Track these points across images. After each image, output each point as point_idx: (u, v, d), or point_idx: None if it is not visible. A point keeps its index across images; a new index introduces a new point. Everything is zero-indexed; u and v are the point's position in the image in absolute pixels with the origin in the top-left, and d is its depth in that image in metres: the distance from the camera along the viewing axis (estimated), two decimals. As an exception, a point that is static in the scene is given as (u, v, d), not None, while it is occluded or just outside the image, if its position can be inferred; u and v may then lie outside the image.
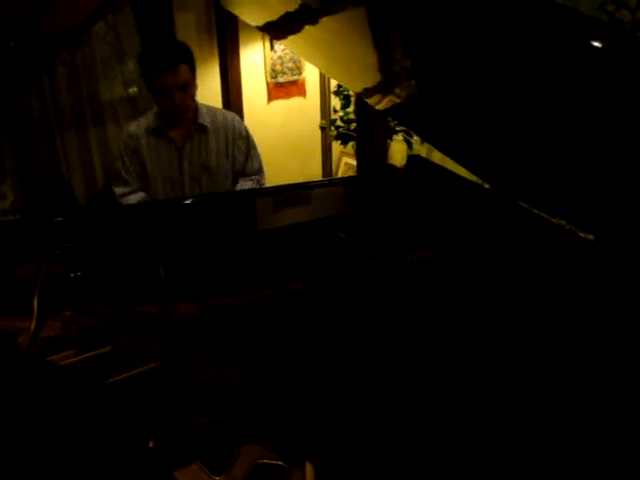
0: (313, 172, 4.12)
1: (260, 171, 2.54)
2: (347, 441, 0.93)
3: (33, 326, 1.26)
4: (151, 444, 0.92)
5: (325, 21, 0.98)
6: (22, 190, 3.16)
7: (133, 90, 3.46)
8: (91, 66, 3.29)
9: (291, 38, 1.19)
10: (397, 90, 1.01)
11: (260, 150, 2.56)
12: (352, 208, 1.73)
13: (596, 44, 0.61)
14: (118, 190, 2.44)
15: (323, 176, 4.13)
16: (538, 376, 0.99)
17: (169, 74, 2.22)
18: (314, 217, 1.62)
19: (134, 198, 2.40)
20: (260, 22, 1.25)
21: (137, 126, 2.42)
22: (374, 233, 1.55)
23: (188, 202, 1.83)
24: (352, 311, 1.27)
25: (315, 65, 2.52)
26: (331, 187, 1.88)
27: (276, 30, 1.29)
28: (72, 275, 1.41)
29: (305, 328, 1.24)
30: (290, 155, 3.95)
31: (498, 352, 1.05)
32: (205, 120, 2.39)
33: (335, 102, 3.69)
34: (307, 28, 1.05)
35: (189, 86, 2.29)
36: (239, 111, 3.46)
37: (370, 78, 1.05)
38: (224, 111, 2.57)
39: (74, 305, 1.32)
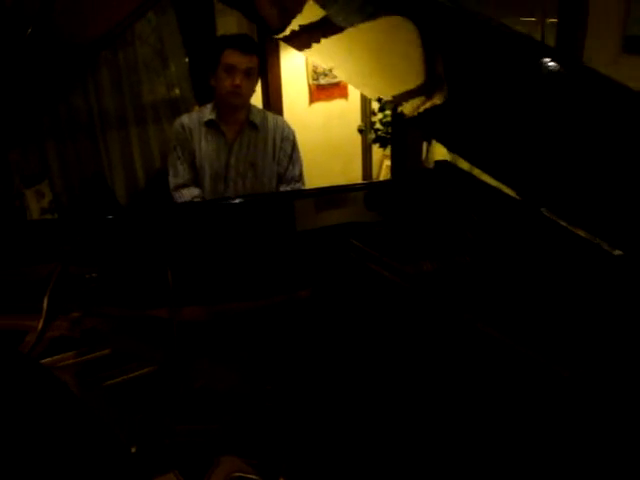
0: (354, 174, 4.10)
1: (300, 178, 2.57)
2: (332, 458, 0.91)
3: (40, 325, 1.28)
4: (133, 449, 0.91)
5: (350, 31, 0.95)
6: (62, 190, 3.23)
7: (175, 92, 3.51)
8: (134, 68, 3.36)
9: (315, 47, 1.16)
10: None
11: (301, 152, 2.58)
12: (372, 214, 1.70)
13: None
14: (172, 181, 2.48)
15: (363, 179, 4.10)
16: (545, 393, 0.94)
17: (242, 54, 2.31)
18: (331, 223, 1.60)
19: (188, 194, 2.45)
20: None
21: (189, 118, 2.48)
22: (392, 240, 1.51)
23: (204, 206, 1.83)
24: (360, 320, 1.25)
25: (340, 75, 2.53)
26: (354, 192, 1.85)
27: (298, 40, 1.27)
28: (88, 276, 1.43)
29: (310, 336, 1.21)
30: (331, 157, 3.94)
31: (507, 370, 1.00)
32: (256, 119, 2.45)
33: (375, 104, 3.66)
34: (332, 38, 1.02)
35: (252, 76, 2.36)
36: (279, 113, 3.46)
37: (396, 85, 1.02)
38: (274, 114, 2.62)
39: (85, 306, 1.33)
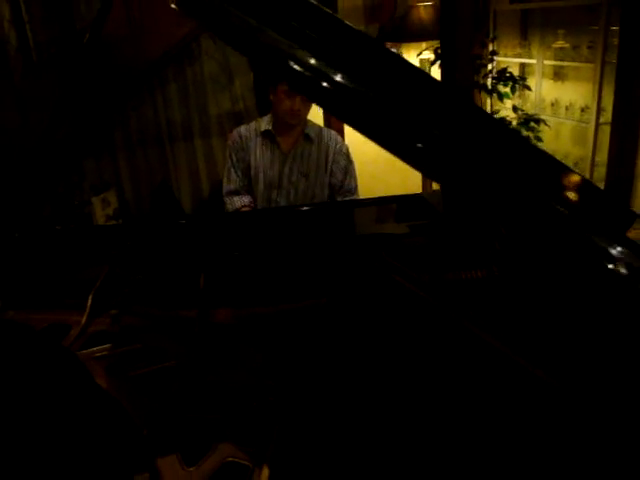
0: (414, 186, 4.12)
1: (355, 190, 2.64)
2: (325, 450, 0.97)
3: (84, 321, 1.41)
4: (145, 432, 1.01)
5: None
6: (130, 198, 3.44)
7: (239, 105, 3.66)
8: (200, 82, 3.53)
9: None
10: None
11: (361, 164, 2.64)
12: (403, 226, 1.74)
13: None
14: (225, 187, 2.62)
15: (423, 190, 4.11)
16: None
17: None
18: (362, 234, 1.66)
19: (238, 202, 2.57)
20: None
21: (247, 129, 2.60)
22: (420, 251, 1.56)
23: (241, 216, 1.93)
24: (378, 329, 1.30)
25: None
26: (389, 204, 1.90)
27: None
28: (133, 278, 1.56)
29: (325, 341, 1.28)
30: (391, 170, 3.98)
31: (518, 384, 1.04)
32: (311, 133, 2.54)
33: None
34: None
35: (309, 100, 2.40)
36: (339, 127, 3.55)
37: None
38: (328, 129, 2.69)
39: (124, 305, 1.45)
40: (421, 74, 0.91)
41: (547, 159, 0.97)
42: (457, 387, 1.11)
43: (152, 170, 3.54)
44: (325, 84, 0.76)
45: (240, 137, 2.58)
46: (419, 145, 0.79)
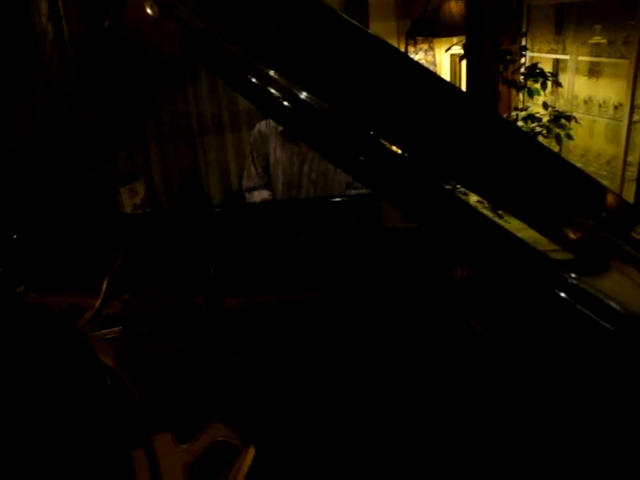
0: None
1: None
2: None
3: (98, 304, 1.46)
4: (145, 410, 1.05)
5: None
6: (156, 189, 3.52)
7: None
8: (231, 77, 3.58)
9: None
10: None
11: None
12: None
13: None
14: (244, 183, 2.64)
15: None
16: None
17: None
18: (367, 228, 1.67)
19: (258, 196, 2.60)
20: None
21: (267, 125, 2.59)
22: (427, 246, 1.57)
23: (253, 208, 1.95)
24: (383, 325, 1.31)
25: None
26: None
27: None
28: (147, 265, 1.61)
29: (327, 332, 1.30)
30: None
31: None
32: None
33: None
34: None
35: None
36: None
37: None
38: None
39: (137, 290, 1.50)
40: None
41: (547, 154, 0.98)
42: (457, 383, 1.12)
43: (181, 162, 3.61)
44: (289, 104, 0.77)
45: (260, 134, 2.58)
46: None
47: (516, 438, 0.98)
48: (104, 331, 1.37)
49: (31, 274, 1.61)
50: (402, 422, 1.05)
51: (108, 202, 2.89)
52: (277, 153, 2.55)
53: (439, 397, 1.10)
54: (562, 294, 0.76)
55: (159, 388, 1.12)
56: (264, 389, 1.10)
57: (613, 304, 0.75)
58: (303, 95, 0.75)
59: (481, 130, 0.94)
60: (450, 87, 1.07)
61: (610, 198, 1.00)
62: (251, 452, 0.92)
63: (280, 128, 2.53)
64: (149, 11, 0.77)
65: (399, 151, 0.87)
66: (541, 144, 1.09)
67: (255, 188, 2.59)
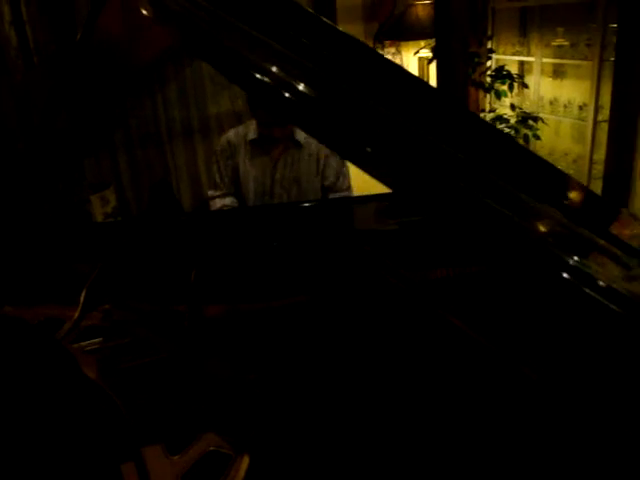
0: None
1: (349, 188, 2.58)
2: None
3: (76, 315, 1.43)
4: (132, 422, 1.04)
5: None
6: (127, 196, 3.47)
7: (238, 104, 3.68)
8: (200, 81, 3.56)
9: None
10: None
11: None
12: (390, 222, 1.76)
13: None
14: (209, 192, 2.62)
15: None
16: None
17: (273, 117, 2.32)
18: (348, 230, 1.67)
19: (219, 202, 2.57)
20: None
21: (236, 134, 2.54)
22: (406, 247, 1.57)
23: (227, 215, 1.94)
24: (367, 328, 1.31)
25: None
26: (382, 202, 1.91)
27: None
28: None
29: (310, 336, 1.30)
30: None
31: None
32: (301, 137, 2.47)
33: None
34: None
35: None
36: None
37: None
38: None
39: (116, 300, 1.47)
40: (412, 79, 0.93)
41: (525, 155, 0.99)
42: (444, 383, 1.13)
43: (151, 169, 3.57)
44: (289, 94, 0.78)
45: (229, 144, 2.53)
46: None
47: (503, 435, 0.99)
48: (84, 343, 1.35)
49: (5, 287, 1.57)
50: (391, 425, 1.06)
51: (79, 211, 2.84)
52: (247, 162, 2.50)
53: (426, 398, 1.11)
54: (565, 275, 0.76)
55: (145, 400, 1.10)
56: (251, 397, 1.09)
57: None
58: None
59: (466, 131, 0.95)
60: (422, 84, 1.07)
61: (586, 195, 1.01)
62: (245, 461, 0.91)
63: (250, 137, 2.48)
64: (144, 12, 0.76)
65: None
66: (517, 142, 1.11)
67: (219, 196, 2.55)
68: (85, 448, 0.96)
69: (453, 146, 0.88)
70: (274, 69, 0.76)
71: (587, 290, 0.74)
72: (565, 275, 0.75)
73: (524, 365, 1.03)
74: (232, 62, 0.80)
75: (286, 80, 0.75)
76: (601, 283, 0.74)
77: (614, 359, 0.76)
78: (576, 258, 0.76)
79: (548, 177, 0.95)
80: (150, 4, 0.77)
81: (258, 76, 0.76)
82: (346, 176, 2.57)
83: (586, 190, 1.08)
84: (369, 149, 0.81)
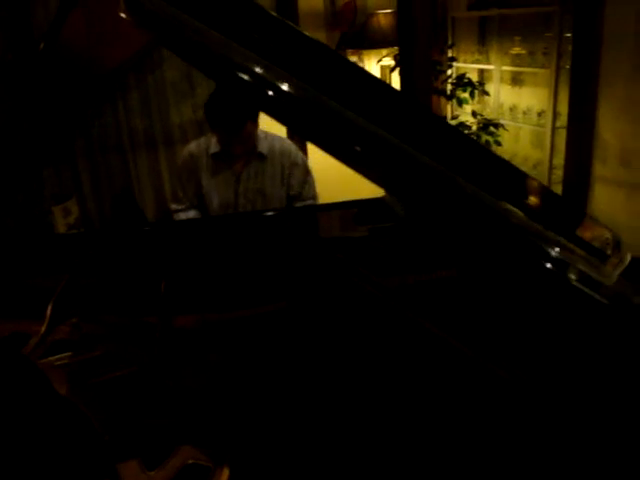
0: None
1: (314, 196, 2.59)
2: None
3: (43, 329, 1.39)
4: (106, 438, 1.01)
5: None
6: (92, 207, 3.41)
7: (200, 113, 3.64)
8: (162, 90, 3.52)
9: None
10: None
11: (325, 169, 2.62)
12: (362, 229, 1.77)
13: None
14: (172, 206, 2.59)
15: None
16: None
17: (233, 136, 2.32)
18: (319, 238, 1.67)
19: (183, 216, 2.54)
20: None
21: (197, 146, 2.52)
22: (379, 254, 1.58)
23: (198, 223, 1.93)
24: (339, 332, 1.31)
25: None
26: (351, 209, 1.93)
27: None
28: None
29: (286, 344, 1.29)
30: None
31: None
32: (263, 148, 2.45)
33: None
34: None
35: (251, 136, 2.37)
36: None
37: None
38: (281, 138, 2.58)
39: (84, 313, 1.44)
40: (377, 82, 0.94)
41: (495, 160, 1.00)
42: (422, 388, 1.13)
43: (114, 178, 3.51)
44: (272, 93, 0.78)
45: (191, 157, 2.50)
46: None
47: (489, 436, 1.00)
48: (53, 358, 1.31)
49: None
50: (369, 433, 1.06)
51: (40, 223, 2.77)
52: (210, 176, 2.48)
53: (405, 405, 1.11)
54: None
55: (119, 414, 1.08)
56: (228, 406, 1.08)
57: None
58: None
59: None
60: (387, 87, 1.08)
61: (552, 198, 1.04)
62: (225, 473, 0.90)
63: (212, 150, 2.46)
64: (123, 15, 0.75)
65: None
66: (484, 147, 1.13)
67: (182, 210, 2.53)
68: (57, 467, 0.93)
69: (419, 147, 0.88)
70: (256, 68, 0.76)
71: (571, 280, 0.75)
72: (548, 265, 0.76)
73: (502, 367, 1.04)
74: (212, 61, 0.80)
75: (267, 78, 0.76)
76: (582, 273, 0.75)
77: (601, 352, 0.78)
78: (557, 249, 0.77)
79: (516, 181, 0.96)
80: (127, 7, 0.76)
81: (240, 74, 0.76)
82: (311, 185, 2.57)
83: (552, 194, 1.10)
84: (354, 147, 0.81)
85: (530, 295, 0.84)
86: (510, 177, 0.96)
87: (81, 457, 0.99)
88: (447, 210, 0.83)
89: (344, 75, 0.91)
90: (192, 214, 2.54)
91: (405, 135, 0.85)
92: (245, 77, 0.77)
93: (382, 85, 1.02)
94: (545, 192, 1.03)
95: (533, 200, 0.95)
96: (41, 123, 2.81)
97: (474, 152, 1.00)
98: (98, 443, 1.02)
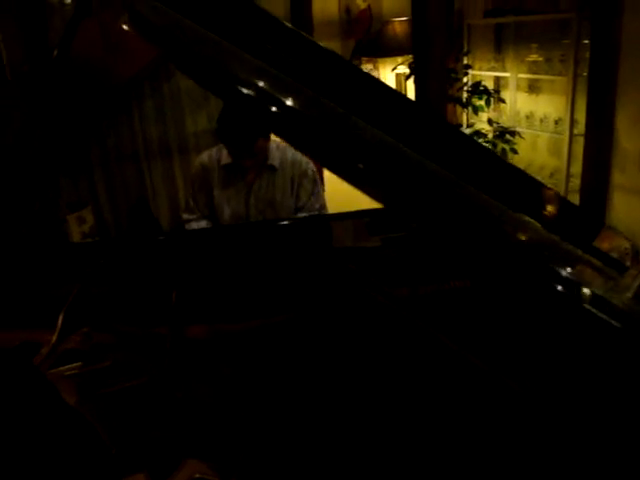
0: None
1: (321, 209, 2.56)
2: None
3: (54, 339, 1.39)
4: (114, 451, 1.00)
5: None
6: (108, 216, 3.43)
7: (215, 122, 3.65)
8: (177, 99, 3.54)
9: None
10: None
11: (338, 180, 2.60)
12: (374, 239, 1.75)
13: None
14: (184, 216, 2.59)
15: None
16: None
17: (244, 152, 2.31)
18: (331, 248, 1.66)
19: (195, 225, 2.54)
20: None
21: (209, 157, 2.50)
22: (390, 264, 1.56)
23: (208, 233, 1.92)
24: (351, 345, 1.30)
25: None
26: (363, 218, 1.91)
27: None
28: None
29: (296, 356, 1.28)
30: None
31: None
32: (275, 161, 2.44)
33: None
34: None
35: (262, 151, 2.36)
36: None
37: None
38: (291, 150, 2.52)
39: (96, 322, 1.44)
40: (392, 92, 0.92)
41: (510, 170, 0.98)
42: (431, 400, 1.11)
43: (129, 187, 3.53)
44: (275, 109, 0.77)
45: (202, 168, 2.49)
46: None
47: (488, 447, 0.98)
48: (63, 368, 1.31)
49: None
50: (376, 447, 1.04)
51: (55, 231, 2.79)
52: (221, 187, 2.48)
53: (414, 417, 1.09)
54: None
55: (127, 426, 1.07)
56: (236, 420, 1.07)
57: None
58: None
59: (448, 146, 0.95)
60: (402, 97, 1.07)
61: (569, 208, 1.01)
62: (232, 489, 0.88)
63: (223, 162, 2.44)
64: (125, 27, 0.74)
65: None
66: (499, 157, 1.11)
67: (194, 220, 2.52)
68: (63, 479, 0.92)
69: (434, 158, 0.87)
70: (260, 83, 0.75)
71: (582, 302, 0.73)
72: (558, 287, 0.74)
73: (512, 379, 1.02)
74: (217, 76, 0.79)
75: (271, 94, 0.74)
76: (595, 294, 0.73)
77: (610, 371, 0.76)
78: (569, 269, 0.75)
79: (532, 191, 0.94)
80: (131, 20, 0.75)
81: (244, 90, 0.75)
82: (319, 197, 2.55)
83: (569, 203, 1.07)
84: (357, 164, 0.80)
85: (541, 312, 0.81)
86: (526, 187, 0.94)
87: (87, 470, 0.99)
88: (456, 221, 0.81)
89: (358, 86, 0.90)
90: (204, 224, 2.53)
91: (418, 146, 0.83)
92: (251, 93, 0.76)
93: (397, 95, 1.01)
94: (562, 202, 1.01)
95: (549, 210, 0.93)
96: (58, 131, 2.83)
97: (489, 162, 0.98)
98: (105, 456, 1.01)
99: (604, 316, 0.71)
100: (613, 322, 0.71)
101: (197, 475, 0.93)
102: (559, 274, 0.74)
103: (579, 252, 0.82)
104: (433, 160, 0.84)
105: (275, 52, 0.84)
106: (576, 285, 0.74)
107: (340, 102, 0.81)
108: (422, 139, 0.88)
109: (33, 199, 2.90)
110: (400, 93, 1.00)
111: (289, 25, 0.92)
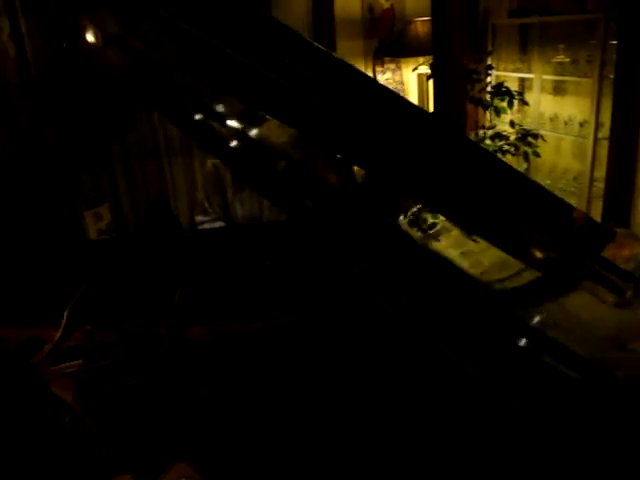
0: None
1: None
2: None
3: (57, 336, 1.40)
4: (103, 450, 1.00)
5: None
6: (123, 212, 3.45)
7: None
8: (198, 97, 3.54)
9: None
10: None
11: None
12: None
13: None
14: (198, 218, 2.59)
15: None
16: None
17: None
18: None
19: (209, 227, 2.54)
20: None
21: None
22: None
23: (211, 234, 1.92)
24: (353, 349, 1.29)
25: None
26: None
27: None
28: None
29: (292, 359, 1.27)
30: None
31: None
32: None
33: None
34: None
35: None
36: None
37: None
38: None
39: (98, 320, 1.44)
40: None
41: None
42: (430, 408, 1.10)
43: (149, 185, 3.55)
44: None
45: (215, 169, 2.51)
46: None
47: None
48: (63, 365, 1.31)
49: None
50: (374, 452, 1.03)
51: (72, 228, 2.81)
52: (234, 188, 2.48)
53: (411, 424, 1.08)
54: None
55: (120, 425, 1.07)
56: (231, 423, 1.06)
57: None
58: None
59: (448, 152, 0.93)
60: (415, 109, 1.07)
61: (580, 218, 0.99)
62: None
63: None
64: (91, 39, 0.74)
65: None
66: (509, 165, 1.09)
67: (208, 221, 2.52)
68: (52, 477, 0.93)
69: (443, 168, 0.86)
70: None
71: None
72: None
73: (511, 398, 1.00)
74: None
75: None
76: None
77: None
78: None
79: (541, 202, 0.93)
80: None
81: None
82: None
83: (580, 213, 1.05)
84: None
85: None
86: (535, 197, 0.93)
87: (75, 468, 0.99)
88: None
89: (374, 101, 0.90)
90: (218, 225, 2.54)
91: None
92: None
93: (410, 106, 1.00)
94: (571, 213, 0.98)
95: (559, 223, 0.92)
96: (78, 126, 2.85)
97: (495, 170, 0.96)
98: (94, 455, 1.01)
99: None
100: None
101: (183, 478, 0.92)
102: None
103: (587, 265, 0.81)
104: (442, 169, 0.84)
105: (293, 66, 0.84)
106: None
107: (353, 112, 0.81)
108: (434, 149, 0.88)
109: (54, 195, 2.94)
110: (412, 104, 1.01)
111: (308, 39, 0.92)
